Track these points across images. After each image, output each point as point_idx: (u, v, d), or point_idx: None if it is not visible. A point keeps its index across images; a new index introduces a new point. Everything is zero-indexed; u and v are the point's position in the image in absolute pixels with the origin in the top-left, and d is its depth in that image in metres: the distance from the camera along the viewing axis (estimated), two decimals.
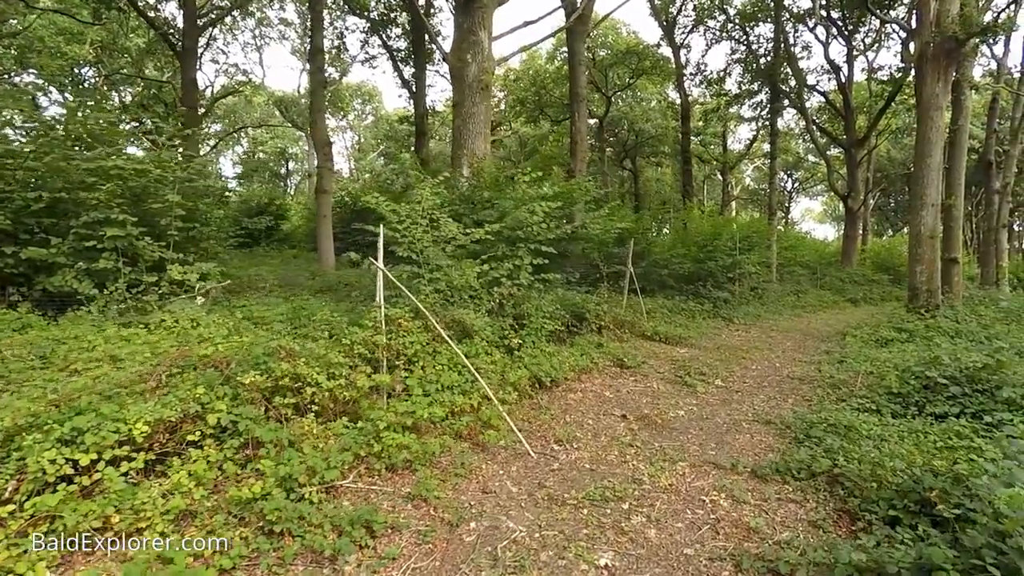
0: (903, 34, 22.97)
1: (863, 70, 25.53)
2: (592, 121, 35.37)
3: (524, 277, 6.76)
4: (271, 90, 33.99)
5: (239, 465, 3.21)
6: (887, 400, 5.78)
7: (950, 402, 5.46)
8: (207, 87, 27.76)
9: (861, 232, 28.73)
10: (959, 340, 9.48)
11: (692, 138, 38.43)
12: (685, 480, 4.00)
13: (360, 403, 4.01)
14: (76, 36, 24.48)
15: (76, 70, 26.69)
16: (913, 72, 12.47)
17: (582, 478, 3.94)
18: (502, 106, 38.36)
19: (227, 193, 11.15)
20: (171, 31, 18.39)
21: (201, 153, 20.78)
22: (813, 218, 61.48)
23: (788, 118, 37.02)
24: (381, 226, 5.18)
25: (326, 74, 35.57)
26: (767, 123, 29.95)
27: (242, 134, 44.68)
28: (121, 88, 28.64)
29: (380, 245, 5.06)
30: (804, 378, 7.27)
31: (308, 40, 33.86)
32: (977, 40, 12.64)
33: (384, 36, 20.45)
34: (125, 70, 26.45)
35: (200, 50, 27.95)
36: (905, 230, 44.65)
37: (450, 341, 4.50)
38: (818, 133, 26.52)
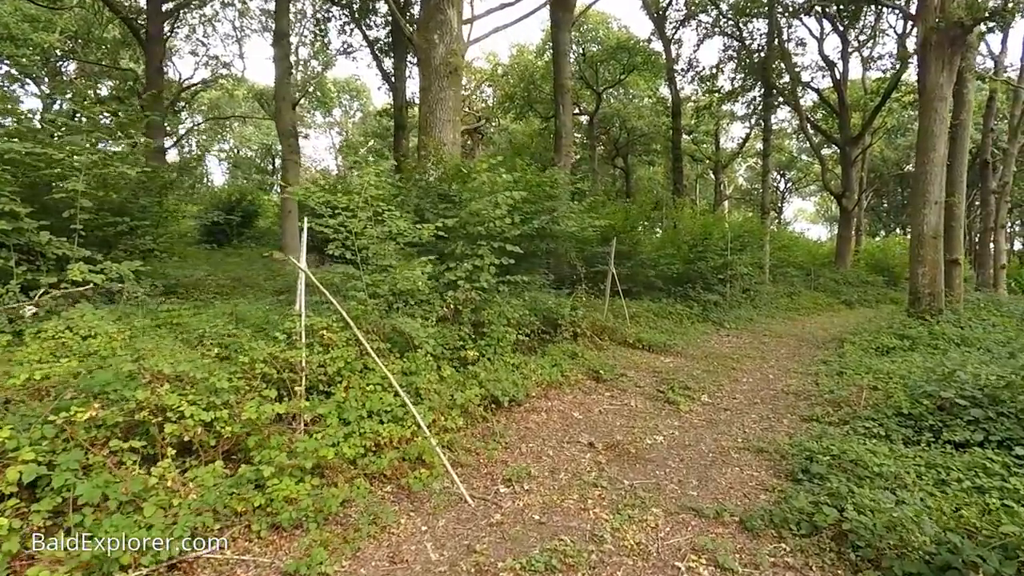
0: (900, 28, 22.40)
1: (861, 63, 24.82)
2: (583, 118, 34.73)
3: (485, 279, 5.95)
4: (251, 83, 32.96)
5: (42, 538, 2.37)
6: (897, 423, 5.01)
7: (971, 427, 4.70)
8: (185, 80, 26.72)
9: (855, 233, 28.09)
10: (968, 349, 8.76)
11: (684, 136, 37.83)
12: (657, 536, 3.19)
13: (249, 440, 3.18)
14: (45, 24, 23.46)
15: (55, 63, 25.70)
16: (916, 62, 11.75)
17: (527, 535, 3.12)
18: (490, 102, 37.61)
19: (186, 183, 10.27)
20: (134, 16, 17.43)
21: (167, 145, 19.86)
22: (806, 219, 61.01)
23: (782, 116, 36.44)
24: (305, 220, 4.36)
25: (311, 68, 34.68)
26: (760, 121, 29.32)
27: (228, 130, 43.72)
28: (99, 81, 27.68)
29: (303, 241, 4.24)
30: (801, 393, 6.50)
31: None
32: (983, 27, 11.93)
33: (364, 26, 19.56)
34: (104, 62, 25.44)
35: (175, 40, 27.04)
36: (898, 231, 44.33)
37: (375, 355, 3.67)
38: (812, 131, 25.84)
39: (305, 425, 3.53)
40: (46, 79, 26.33)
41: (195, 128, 38.12)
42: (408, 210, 6.81)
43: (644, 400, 6.05)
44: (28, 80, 24.12)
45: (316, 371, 4.00)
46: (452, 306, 5.60)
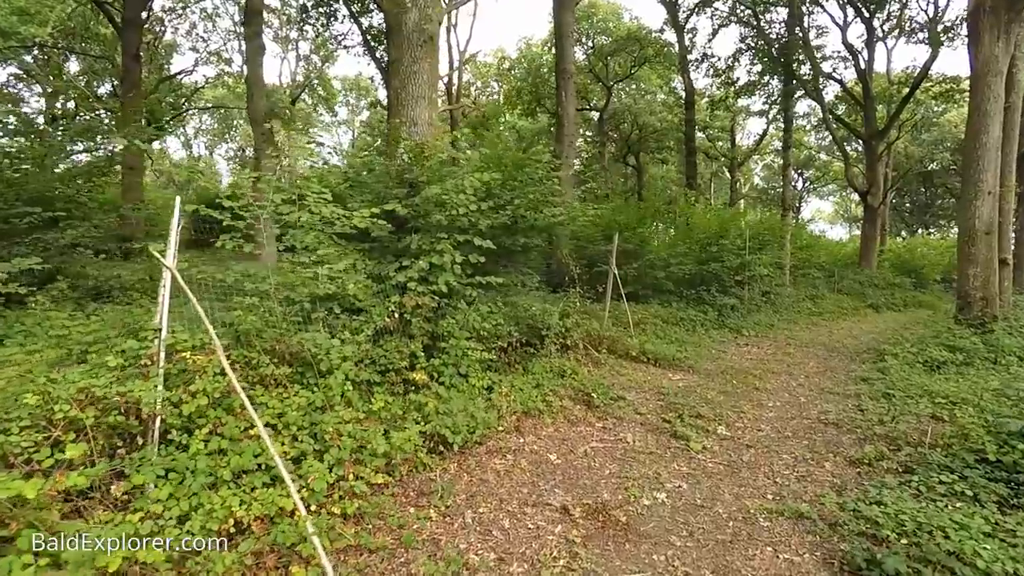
0: (931, 12, 20.83)
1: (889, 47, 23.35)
2: (592, 114, 33.47)
3: (445, 281, 4.75)
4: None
5: None
6: (983, 474, 3.72)
7: None
8: (176, 72, 25.87)
9: (880, 232, 26.49)
10: None
11: (699, 133, 36.44)
12: None
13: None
14: (33, 17, 22.72)
15: (58, 60, 24.99)
16: (966, 31, 10.33)
17: None
18: (498, 98, 36.51)
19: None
20: (109, 1, 16.53)
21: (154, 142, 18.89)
22: (824, 219, 59.05)
23: (800, 110, 34.90)
24: (177, 200, 3.18)
25: (311, 61, 33.73)
26: (779, 115, 27.85)
27: (233, 129, 43.14)
28: (100, 78, 26.98)
29: (173, 234, 3.08)
30: (843, 423, 5.20)
31: (288, 27, 32.12)
32: None
33: (352, 9, 18.47)
34: (91, 53, 24.67)
35: (177, 37, 26.24)
36: (920, 232, 42.43)
37: (239, 389, 2.47)
38: (835, 124, 24.34)
39: (115, 503, 2.34)
40: (51, 77, 25.64)
41: (201, 128, 37.49)
42: (363, 199, 5.63)
43: (645, 434, 4.80)
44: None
45: (175, 411, 2.82)
46: (397, 315, 4.40)
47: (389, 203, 4.90)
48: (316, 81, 33.98)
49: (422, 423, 3.87)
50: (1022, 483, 3.60)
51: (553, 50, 29.43)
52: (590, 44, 29.92)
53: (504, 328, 5.59)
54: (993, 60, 8.80)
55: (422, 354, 4.54)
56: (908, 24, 20.96)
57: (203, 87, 30.09)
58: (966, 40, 9.66)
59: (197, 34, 27.38)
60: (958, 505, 3.38)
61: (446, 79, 26.79)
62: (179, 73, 19.24)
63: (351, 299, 4.19)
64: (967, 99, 27.08)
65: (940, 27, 19.36)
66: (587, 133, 38.12)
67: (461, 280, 5.20)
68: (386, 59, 19.45)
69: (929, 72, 20.87)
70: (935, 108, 31.86)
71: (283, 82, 34.64)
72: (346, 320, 4.11)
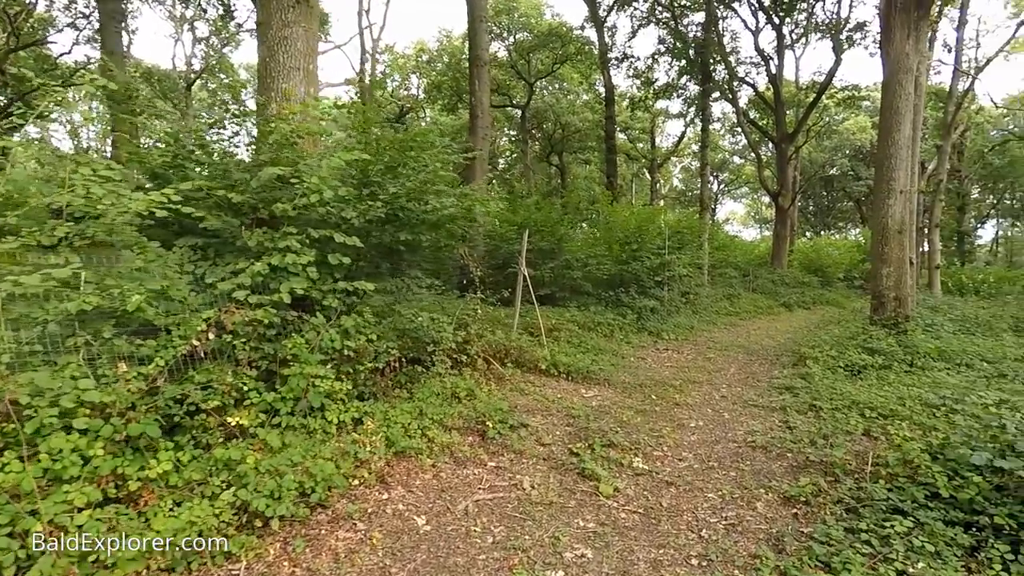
0: (837, 17, 21.57)
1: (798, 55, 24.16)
2: (514, 112, 32.80)
3: (289, 288, 3.65)
4: (136, 60, 28.89)
5: None
6: (938, 516, 3.10)
7: None
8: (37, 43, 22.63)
9: (790, 232, 27.45)
10: (949, 366, 7.22)
11: (621, 134, 36.68)
12: None
13: None
14: None
15: None
16: (879, 29, 10.30)
17: None
18: (417, 92, 35.15)
19: None
20: None
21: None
22: (738, 220, 61.66)
23: (716, 113, 35.92)
24: None
25: (212, 43, 30.89)
26: (696, 117, 28.33)
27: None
28: None
29: None
30: (771, 446, 4.54)
31: (181, 3, 29.22)
32: None
33: None
34: None
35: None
36: (823, 233, 45.00)
37: None
38: (749, 127, 24.94)
39: None
40: None
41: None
42: (198, 183, 4.39)
43: (547, 474, 3.91)
44: None
45: None
46: (213, 335, 3.25)
47: (217, 187, 3.73)
48: (216, 66, 31.19)
49: (234, 488, 2.77)
50: (983, 527, 2.99)
51: None
52: (511, 40, 29.26)
53: (380, 345, 4.54)
54: (904, 57, 8.68)
55: (253, 387, 3.42)
56: (816, 27, 21.66)
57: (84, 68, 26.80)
58: (876, 41, 9.64)
59: (77, 9, 24.18)
60: (920, 566, 2.70)
61: (358, 67, 25.16)
62: (31, 44, 16.46)
63: (139, 316, 3.01)
64: (865, 106, 28.58)
65: (850, 26, 20.07)
66: (511, 132, 37.53)
67: (319, 287, 4.11)
68: None
69: (833, 79, 21.72)
70: (837, 116, 33.68)
71: (177, 63, 31.57)
72: (127, 346, 2.93)
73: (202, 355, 3.28)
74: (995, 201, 42.36)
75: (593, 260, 10.98)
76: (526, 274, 7.35)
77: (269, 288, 3.72)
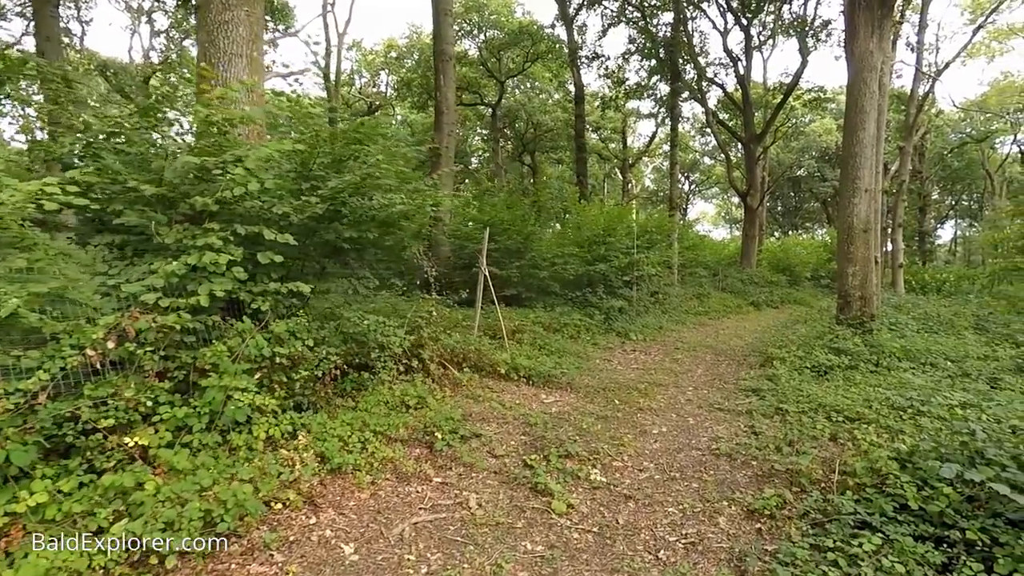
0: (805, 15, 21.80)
1: (765, 57, 24.45)
2: (485, 110, 32.45)
3: (209, 290, 3.28)
4: (91, 52, 27.70)
5: None
6: (908, 531, 2.90)
7: None
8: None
9: (759, 232, 27.73)
10: (914, 365, 7.16)
11: (592, 134, 36.66)
12: None
13: None
14: None
15: None
16: (844, 27, 10.27)
17: None
18: (387, 89, 34.58)
19: None
20: None
21: None
22: (708, 221, 62.40)
23: (687, 114, 36.20)
24: None
25: (172, 37, 29.81)
26: (667, 118, 28.39)
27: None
28: None
29: None
30: (736, 454, 4.33)
31: None
32: None
33: None
34: None
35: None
36: (791, 233, 45.79)
37: None
38: (718, 127, 25.10)
39: None
40: None
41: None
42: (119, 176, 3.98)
43: (497, 490, 3.62)
44: None
45: None
46: (113, 344, 2.87)
47: (129, 177, 3.34)
48: (177, 60, 30.11)
49: (125, 520, 2.41)
50: (954, 542, 2.81)
51: None
52: (482, 37, 28.95)
53: (321, 351, 4.19)
54: (868, 56, 8.64)
55: (166, 400, 3.05)
56: (783, 26, 21.91)
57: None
58: (840, 44, 9.60)
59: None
60: None
61: (320, 61, 24.56)
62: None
63: (23, 323, 2.62)
64: (831, 108, 29.01)
65: (816, 24, 20.28)
66: (483, 131, 37.19)
67: (250, 288, 3.75)
68: None
69: (800, 81, 21.98)
70: (804, 118, 34.26)
71: (134, 56, 30.41)
72: (3, 357, 2.54)
73: (105, 366, 2.89)
74: (953, 202, 43.69)
75: (560, 260, 10.75)
76: (487, 274, 7.05)
77: (186, 290, 3.35)
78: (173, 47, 29.75)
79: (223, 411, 3.16)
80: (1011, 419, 4.54)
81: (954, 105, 26.77)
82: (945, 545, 2.80)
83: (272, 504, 2.97)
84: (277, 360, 3.70)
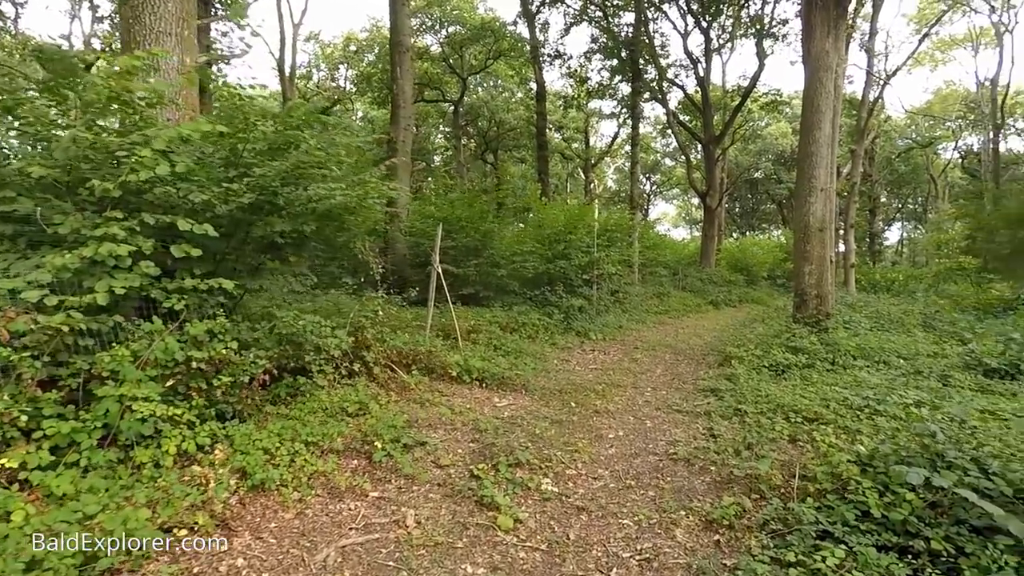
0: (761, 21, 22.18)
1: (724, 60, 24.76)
2: (448, 107, 32.00)
3: (108, 287, 2.88)
4: (26, 36, 25.99)
5: None
6: (871, 541, 2.74)
7: (1006, 555, 2.51)
8: None
9: (718, 232, 28.16)
10: (868, 364, 7.19)
11: (555, 134, 36.63)
12: None
13: None
14: None
15: None
16: (800, 27, 10.33)
17: None
18: (346, 84, 33.74)
19: None
20: None
21: None
22: (669, 221, 63.32)
23: (650, 116, 36.56)
24: None
25: (115, 22, 28.27)
26: (629, 117, 28.53)
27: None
28: None
29: None
30: (694, 459, 4.14)
31: None
32: None
33: None
34: None
35: None
36: (748, 234, 46.86)
37: None
38: (678, 128, 25.35)
39: None
40: None
41: None
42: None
43: (439, 504, 3.32)
44: None
45: None
46: None
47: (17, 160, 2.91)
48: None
49: None
50: (919, 552, 2.66)
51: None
52: (444, 33, 28.51)
53: (248, 355, 3.81)
54: (824, 55, 8.68)
55: (52, 414, 2.64)
56: (741, 24, 22.27)
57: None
58: (795, 48, 9.66)
59: None
60: None
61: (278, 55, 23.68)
62: None
63: None
64: (787, 112, 29.65)
65: (774, 23, 20.62)
66: (445, 128, 36.67)
67: (163, 286, 3.35)
68: None
69: (757, 83, 22.35)
70: (761, 122, 35.08)
71: (75, 39, 28.70)
72: None
73: None
74: (900, 205, 45.49)
75: (520, 257, 10.50)
76: (440, 271, 6.74)
77: (81, 287, 2.94)
78: (118, 34, 28.23)
79: (119, 424, 2.77)
80: (968, 419, 4.51)
81: (904, 109, 27.67)
82: (910, 556, 2.65)
83: (176, 530, 2.60)
84: (194, 365, 3.31)
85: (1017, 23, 23.43)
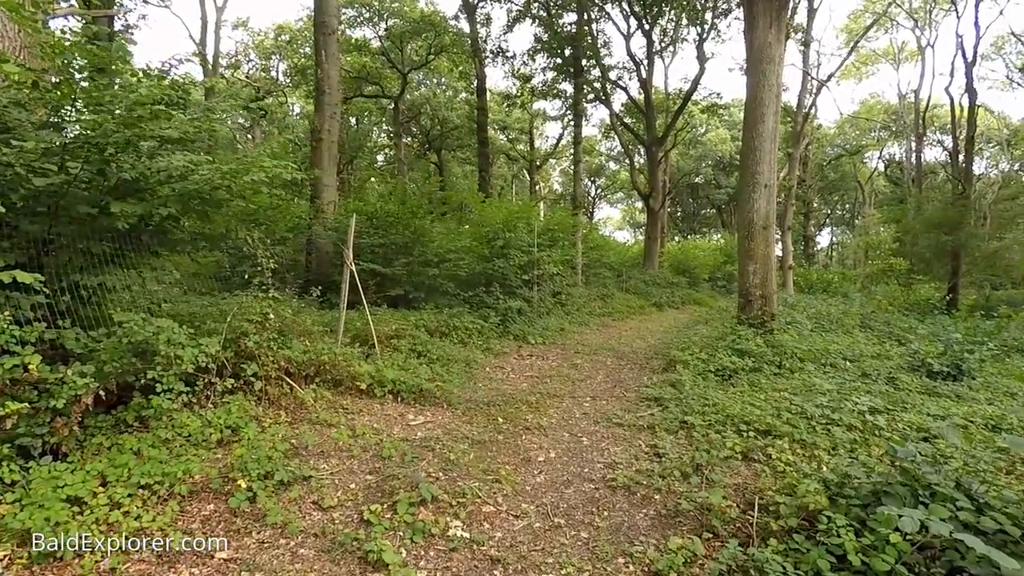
0: (698, 30, 22.34)
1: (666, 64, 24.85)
2: (387, 103, 30.85)
3: None
4: None
5: None
6: None
7: None
8: None
9: (661, 234, 28.27)
10: (815, 366, 6.85)
11: (500, 134, 36.07)
12: None
13: None
14: None
15: None
16: (743, 19, 10.04)
17: None
18: (278, 75, 32.02)
19: None
20: None
21: None
22: (613, 224, 63.97)
23: (594, 120, 36.58)
24: None
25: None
26: (570, 111, 28.24)
27: None
28: None
29: None
30: (635, 486, 3.50)
31: None
32: None
33: None
34: None
35: None
36: (689, 237, 47.82)
37: None
38: (622, 129, 25.25)
39: None
40: None
41: None
42: None
43: (310, 565, 2.53)
44: None
45: None
46: None
47: None
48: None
49: None
50: None
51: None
52: (383, 25, 27.39)
53: (66, 371, 2.90)
54: (767, 47, 8.38)
55: None
56: (685, 22, 22.33)
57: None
58: (739, 54, 9.39)
59: None
60: None
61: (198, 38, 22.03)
62: None
63: None
64: (725, 118, 30.16)
65: (717, 10, 20.65)
66: (388, 127, 35.41)
67: None
68: None
69: (698, 87, 22.49)
70: (701, 128, 35.77)
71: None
72: None
73: None
74: (830, 211, 47.53)
75: (454, 255, 9.74)
76: (354, 269, 5.90)
77: None
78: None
79: None
80: (929, 428, 4.10)
81: (840, 112, 28.65)
82: None
83: None
84: None
85: (938, 37, 24.61)
